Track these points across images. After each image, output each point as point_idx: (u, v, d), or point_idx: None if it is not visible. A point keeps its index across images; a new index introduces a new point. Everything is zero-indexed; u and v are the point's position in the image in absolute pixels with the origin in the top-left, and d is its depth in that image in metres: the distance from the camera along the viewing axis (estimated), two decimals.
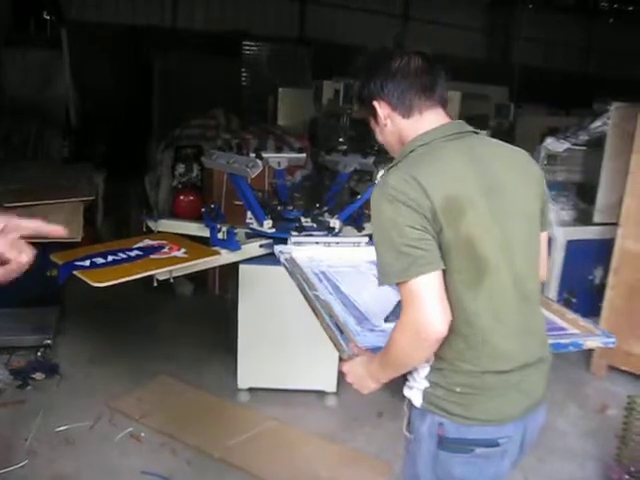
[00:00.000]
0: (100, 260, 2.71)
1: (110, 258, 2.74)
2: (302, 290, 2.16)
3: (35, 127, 6.19)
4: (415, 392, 1.53)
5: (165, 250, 2.91)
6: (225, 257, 2.98)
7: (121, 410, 3.32)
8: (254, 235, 3.26)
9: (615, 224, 4.03)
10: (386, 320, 1.88)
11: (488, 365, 1.44)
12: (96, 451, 3.00)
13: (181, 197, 5.04)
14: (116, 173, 5.84)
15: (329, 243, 2.85)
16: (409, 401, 1.55)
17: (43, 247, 3.52)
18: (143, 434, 3.15)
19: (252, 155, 3.38)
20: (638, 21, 13.20)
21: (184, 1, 10.60)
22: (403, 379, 1.58)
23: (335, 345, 1.76)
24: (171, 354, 3.97)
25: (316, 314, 1.97)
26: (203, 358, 3.93)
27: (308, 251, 2.63)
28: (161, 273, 2.70)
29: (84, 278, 2.52)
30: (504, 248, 1.45)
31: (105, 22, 9.90)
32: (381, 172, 3.22)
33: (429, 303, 1.34)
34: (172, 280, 2.82)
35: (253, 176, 3.03)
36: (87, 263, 2.68)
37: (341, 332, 1.81)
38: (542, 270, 1.62)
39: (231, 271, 3.54)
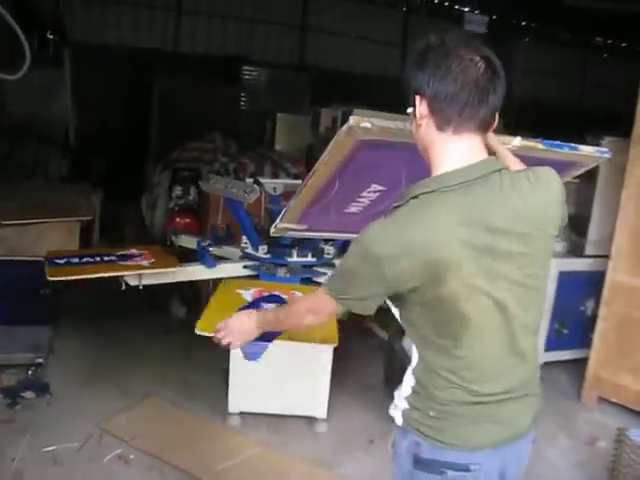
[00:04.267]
0: (75, 260, 2.95)
1: (84, 259, 2.98)
2: None
3: (35, 145, 6.24)
4: (397, 412, 1.59)
5: (137, 258, 3.07)
6: (192, 271, 3.06)
7: (111, 431, 3.30)
8: (250, 259, 3.28)
9: (606, 257, 4.07)
10: None
11: (462, 397, 1.47)
12: (84, 472, 2.98)
13: (177, 219, 5.08)
14: (113, 193, 5.87)
15: None
16: (393, 419, 1.61)
17: (36, 265, 3.57)
18: (132, 456, 3.13)
19: (249, 180, 3.42)
20: (632, 57, 13.45)
21: (186, 25, 10.75)
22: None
23: None
24: (163, 376, 3.96)
25: None
26: (195, 381, 3.92)
27: None
28: (129, 276, 2.84)
29: (47, 270, 2.77)
30: (493, 307, 1.43)
31: (107, 44, 10.03)
32: None
33: (319, 319, 1.65)
34: (141, 287, 2.93)
35: (250, 202, 3.07)
36: (62, 261, 2.91)
37: None
38: None
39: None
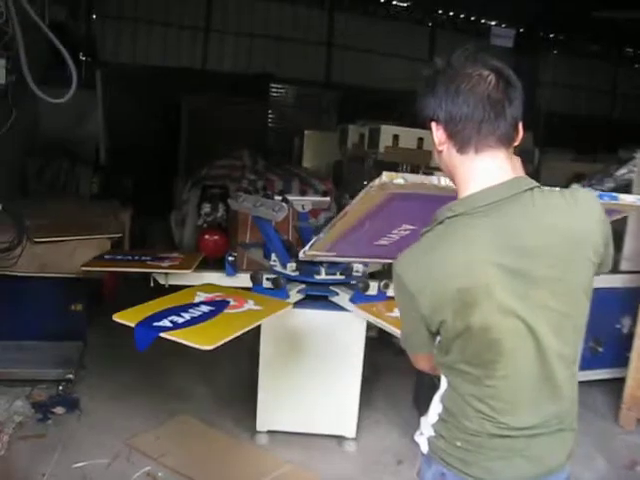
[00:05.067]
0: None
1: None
2: None
3: (66, 163, 6.36)
4: (423, 439, 1.55)
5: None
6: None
7: (139, 448, 3.30)
8: (288, 280, 3.27)
9: None
10: None
11: (492, 429, 1.41)
12: None
13: (206, 236, 5.11)
14: (142, 210, 5.94)
15: None
16: (419, 446, 1.57)
17: (67, 282, 3.59)
18: (160, 474, 3.12)
19: (277, 198, 3.42)
20: None
21: (214, 45, 10.91)
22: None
23: None
24: (191, 393, 3.97)
25: None
26: (223, 398, 3.91)
27: None
28: (158, 275, 2.65)
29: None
30: (526, 332, 1.35)
31: (137, 64, 10.24)
32: None
33: (417, 364, 1.60)
34: (167, 286, 2.80)
35: (279, 220, 3.06)
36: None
37: None
38: None
39: None
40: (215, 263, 4.10)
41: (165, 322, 2.45)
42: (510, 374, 1.38)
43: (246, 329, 2.53)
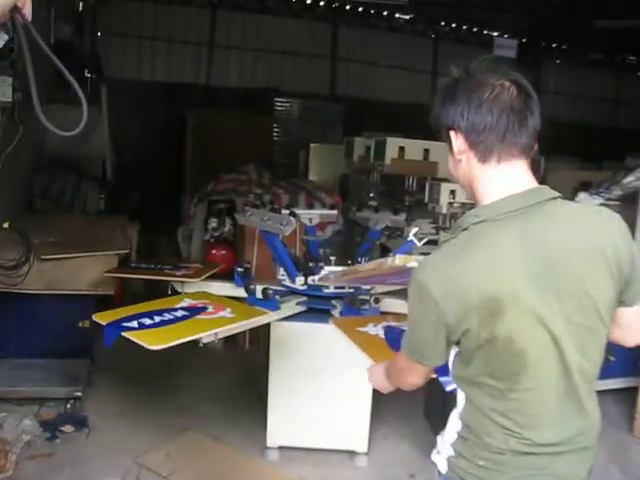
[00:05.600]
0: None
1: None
2: None
3: (72, 180, 6.37)
4: (441, 458, 1.51)
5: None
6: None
7: (149, 466, 3.27)
8: (288, 292, 3.25)
9: None
10: None
11: (515, 446, 1.38)
12: None
13: (213, 251, 5.09)
14: (150, 225, 5.94)
15: None
16: (436, 466, 1.53)
17: (74, 299, 3.59)
18: None
19: (285, 212, 3.42)
20: None
21: (219, 60, 10.96)
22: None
23: None
24: (200, 409, 3.94)
25: None
26: (232, 414, 3.88)
27: None
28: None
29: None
30: (550, 344, 1.33)
31: (142, 80, 10.29)
32: (414, 230, 3.22)
33: (411, 380, 1.56)
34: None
35: (287, 234, 3.05)
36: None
37: None
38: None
39: (261, 327, 3.52)
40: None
41: (133, 323, 2.62)
42: (534, 387, 1.35)
43: (204, 334, 2.66)
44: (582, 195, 4.60)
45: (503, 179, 1.36)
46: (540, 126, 1.37)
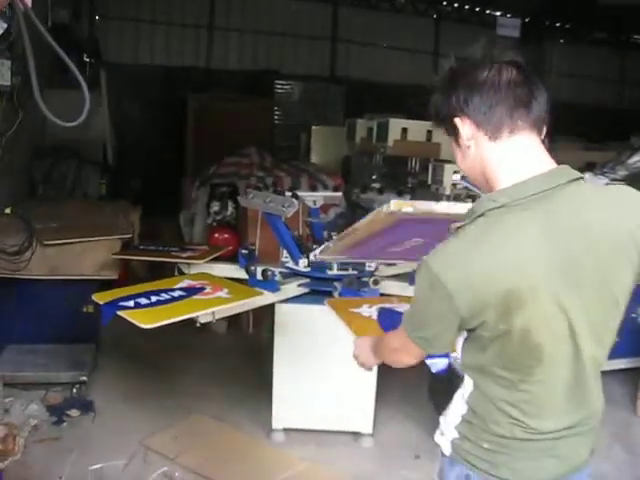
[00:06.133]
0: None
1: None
2: None
3: (74, 165, 6.35)
4: (445, 440, 1.49)
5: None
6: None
7: (155, 449, 3.29)
8: (290, 274, 3.25)
9: None
10: None
11: (520, 434, 1.37)
12: None
13: (216, 235, 5.08)
14: (151, 210, 5.92)
15: None
16: (439, 447, 1.53)
17: (78, 284, 3.58)
18: (177, 474, 3.11)
19: (288, 194, 3.40)
20: None
21: (218, 43, 10.87)
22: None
23: None
24: (206, 392, 3.95)
25: None
26: (238, 396, 3.89)
27: None
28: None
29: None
30: (567, 336, 1.31)
31: (141, 64, 10.22)
32: None
33: (407, 359, 1.52)
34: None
35: (289, 216, 3.04)
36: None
37: None
38: None
39: (265, 309, 3.52)
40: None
41: (130, 303, 2.65)
42: (545, 379, 1.34)
43: (199, 313, 2.69)
44: (587, 175, 4.54)
45: (518, 155, 1.30)
46: (548, 101, 1.32)
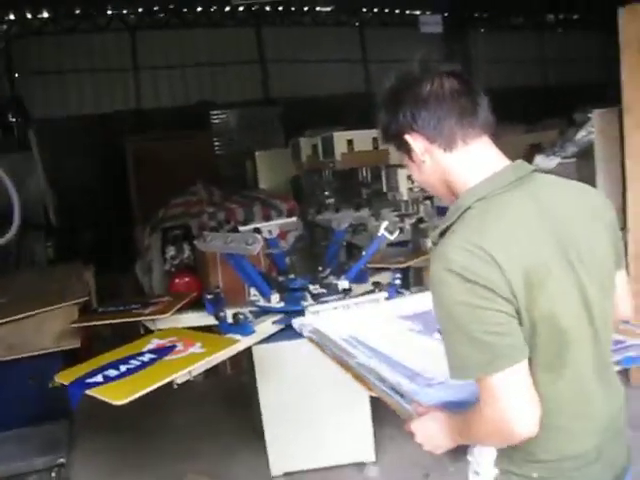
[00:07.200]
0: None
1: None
2: (339, 360, 1.97)
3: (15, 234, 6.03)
4: (484, 479, 1.36)
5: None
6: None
7: None
8: (261, 313, 3.09)
9: (622, 229, 3.93)
10: None
11: (564, 451, 1.27)
12: None
13: (176, 280, 4.88)
14: (105, 265, 5.68)
15: (348, 306, 2.69)
16: None
17: (40, 359, 3.31)
18: None
19: (244, 228, 3.26)
20: (585, 28, 13.55)
21: (146, 82, 10.70)
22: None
23: (397, 410, 1.58)
24: (194, 449, 3.73)
25: (363, 383, 1.78)
26: (229, 448, 3.69)
27: (329, 319, 2.44)
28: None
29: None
30: (583, 314, 1.26)
31: (71, 115, 9.95)
32: (384, 223, 3.10)
33: (517, 403, 1.17)
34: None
35: (255, 253, 2.88)
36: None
37: (400, 395, 1.61)
38: (627, 310, 1.47)
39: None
40: None
41: (98, 377, 2.43)
42: (577, 369, 1.26)
43: (174, 376, 2.47)
44: (539, 158, 4.57)
45: (477, 158, 1.31)
46: (489, 104, 1.35)
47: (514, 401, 1.17)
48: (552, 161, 4.54)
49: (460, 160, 1.31)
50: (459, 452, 1.42)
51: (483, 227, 1.21)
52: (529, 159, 4.89)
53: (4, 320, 3.70)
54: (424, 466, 3.28)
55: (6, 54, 9.59)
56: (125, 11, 10.62)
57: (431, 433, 1.38)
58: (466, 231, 1.21)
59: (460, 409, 1.35)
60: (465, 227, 1.23)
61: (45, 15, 10.11)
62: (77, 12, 10.26)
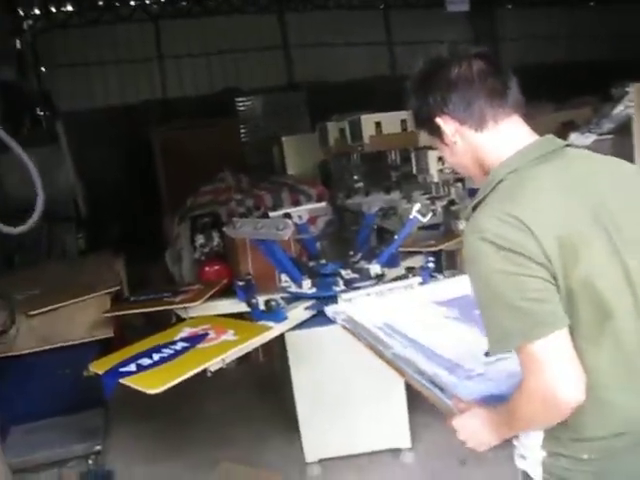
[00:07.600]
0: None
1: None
2: (375, 350, 1.91)
3: (45, 226, 6.09)
4: (531, 463, 1.32)
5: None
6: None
7: None
8: (293, 299, 3.04)
9: None
10: (487, 354, 1.62)
11: (613, 427, 1.22)
12: None
13: (207, 268, 4.86)
14: (135, 255, 5.70)
15: (381, 292, 2.62)
16: (524, 473, 1.35)
17: (74, 349, 3.32)
18: None
19: (273, 214, 3.21)
20: (617, 2, 13.14)
21: (171, 72, 10.70)
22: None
23: (436, 404, 1.53)
24: (228, 436, 3.73)
25: (401, 374, 1.73)
26: (263, 435, 3.68)
27: (363, 306, 2.38)
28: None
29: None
30: (624, 284, 1.22)
31: (98, 107, 10.01)
32: (416, 206, 3.03)
33: (561, 368, 1.16)
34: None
35: (286, 238, 2.84)
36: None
37: (439, 388, 1.56)
38: None
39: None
40: None
41: (131, 367, 2.43)
42: (619, 348, 1.21)
43: (207, 364, 2.44)
44: (574, 135, 4.43)
45: (508, 135, 1.33)
46: (517, 84, 1.36)
47: (557, 367, 1.15)
48: (587, 138, 4.40)
49: (492, 138, 1.33)
50: None
51: (515, 197, 1.21)
52: (563, 137, 4.76)
53: (37, 311, 3.75)
54: (460, 453, 3.21)
55: (32, 49, 9.66)
56: (148, 1, 10.65)
57: (474, 430, 1.35)
58: (498, 202, 1.23)
59: (501, 402, 1.33)
60: (497, 198, 1.24)
61: (69, 8, 10.19)
62: (100, 4, 10.32)
